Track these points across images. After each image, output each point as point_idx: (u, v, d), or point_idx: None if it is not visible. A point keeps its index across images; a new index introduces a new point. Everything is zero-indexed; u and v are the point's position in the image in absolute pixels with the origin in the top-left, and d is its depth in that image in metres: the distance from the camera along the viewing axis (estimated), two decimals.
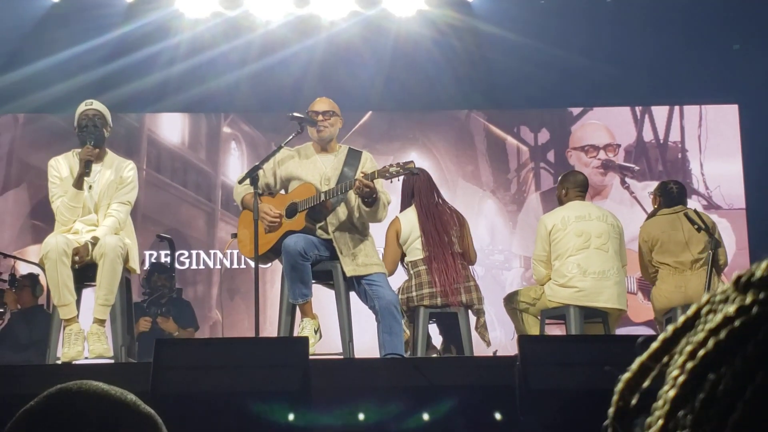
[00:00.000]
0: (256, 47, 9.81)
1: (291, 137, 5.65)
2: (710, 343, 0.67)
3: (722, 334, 0.67)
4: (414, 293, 6.13)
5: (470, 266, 6.41)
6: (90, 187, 5.64)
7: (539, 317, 6.48)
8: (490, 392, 4.47)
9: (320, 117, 5.64)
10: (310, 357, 4.50)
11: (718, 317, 0.68)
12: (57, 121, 10.04)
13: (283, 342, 4.90)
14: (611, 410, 0.71)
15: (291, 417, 4.02)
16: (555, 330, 7.16)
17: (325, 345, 5.78)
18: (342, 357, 5.43)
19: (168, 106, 10.20)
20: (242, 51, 9.81)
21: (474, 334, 6.20)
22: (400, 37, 9.88)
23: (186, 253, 10.14)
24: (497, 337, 8.42)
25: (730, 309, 0.69)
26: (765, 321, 0.67)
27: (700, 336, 0.68)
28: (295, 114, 5.62)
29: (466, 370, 4.85)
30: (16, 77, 9.66)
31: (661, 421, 0.68)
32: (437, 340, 6.69)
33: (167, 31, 9.78)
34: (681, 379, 0.68)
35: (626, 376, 0.71)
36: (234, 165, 10.37)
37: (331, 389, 4.47)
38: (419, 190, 6.35)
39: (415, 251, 6.24)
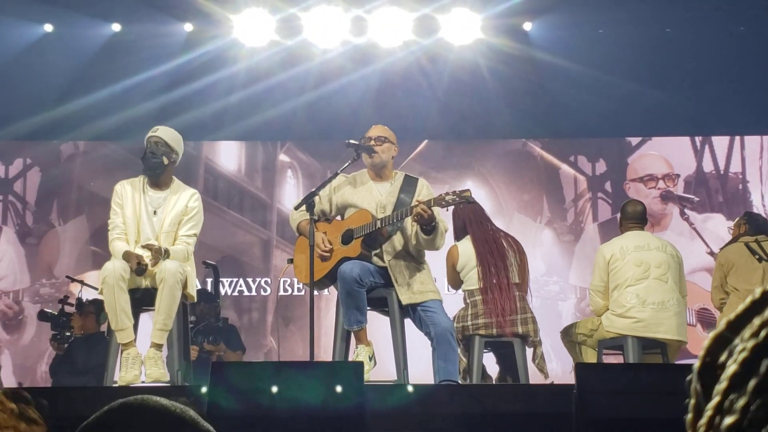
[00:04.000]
0: (313, 76, 9.90)
1: (347, 164, 5.66)
2: None
3: None
4: (470, 322, 6.10)
5: (527, 297, 6.34)
6: (154, 212, 5.68)
7: (597, 348, 6.41)
8: (547, 420, 4.42)
9: (372, 142, 5.65)
10: (365, 383, 4.49)
11: None
12: (117, 148, 10.20)
13: (339, 366, 4.89)
14: (697, 364, 0.67)
15: None
16: (613, 360, 7.07)
17: (380, 372, 5.76)
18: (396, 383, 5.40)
19: (225, 134, 10.30)
20: (299, 79, 9.90)
21: (531, 366, 6.14)
22: (456, 66, 9.90)
23: (241, 280, 10.20)
24: (553, 369, 8.33)
25: None
26: None
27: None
28: (352, 141, 5.63)
29: (522, 398, 4.80)
30: (77, 105, 9.83)
31: (717, 398, 0.64)
32: (493, 369, 6.64)
33: (225, 60, 9.91)
34: (742, 356, 0.64)
35: (714, 332, 0.68)
36: (290, 193, 10.43)
37: (387, 415, 4.45)
38: (470, 221, 6.31)
39: (472, 280, 6.20)
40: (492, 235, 6.28)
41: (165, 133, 5.75)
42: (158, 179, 5.73)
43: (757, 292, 0.66)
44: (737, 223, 7.07)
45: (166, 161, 5.71)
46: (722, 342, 0.67)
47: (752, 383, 0.61)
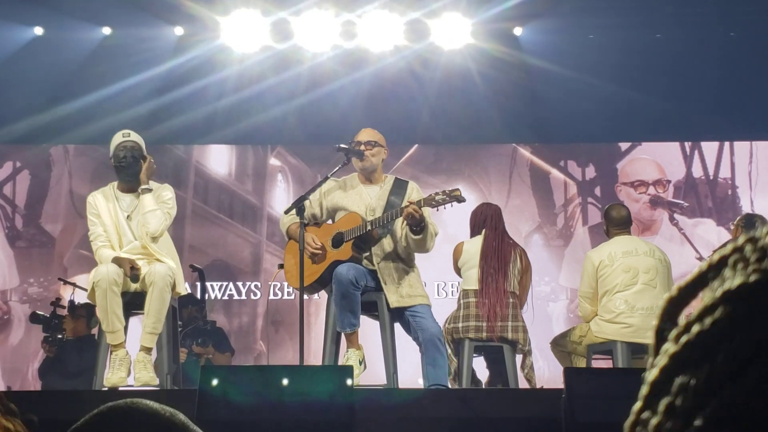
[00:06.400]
0: (303, 80, 9.89)
1: (337, 168, 5.67)
2: (694, 329, 0.55)
3: (707, 322, 0.54)
4: (460, 324, 6.11)
5: (521, 309, 6.35)
6: (128, 216, 5.71)
7: (586, 354, 6.42)
8: (536, 425, 4.43)
9: (362, 147, 5.66)
10: (354, 387, 4.49)
11: (719, 291, 0.55)
12: (107, 152, 10.15)
13: (328, 370, 4.90)
14: (656, 322, 0.60)
15: None
16: (602, 365, 7.09)
17: (369, 376, 5.76)
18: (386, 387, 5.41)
19: (216, 138, 10.30)
20: (290, 84, 9.89)
21: (520, 374, 6.17)
22: (447, 71, 9.91)
23: (231, 284, 10.19)
24: (540, 368, 8.34)
25: (735, 282, 0.55)
26: (748, 321, 0.53)
27: (695, 312, 0.56)
28: (342, 145, 5.64)
29: (512, 402, 4.81)
30: (67, 109, 9.81)
31: (637, 405, 0.57)
32: (483, 373, 6.65)
33: (215, 64, 9.90)
34: (662, 362, 0.56)
35: (670, 295, 0.60)
36: (280, 197, 10.42)
37: (375, 419, 4.45)
38: (492, 218, 6.37)
39: (470, 280, 6.23)
40: (501, 241, 6.31)
41: (136, 136, 5.80)
42: (134, 183, 5.74)
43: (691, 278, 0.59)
44: (736, 224, 6.97)
45: (142, 164, 5.73)
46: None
47: (663, 403, 0.55)
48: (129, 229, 5.68)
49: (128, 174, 5.72)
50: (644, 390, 0.57)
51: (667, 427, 0.54)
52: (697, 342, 0.54)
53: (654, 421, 0.55)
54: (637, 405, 0.57)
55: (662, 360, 0.56)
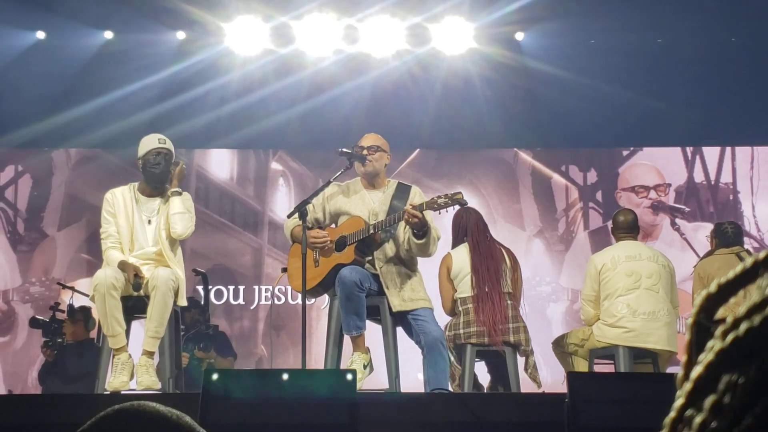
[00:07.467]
0: (306, 85, 9.90)
1: (340, 173, 5.67)
2: (743, 326, 0.54)
3: (756, 320, 0.54)
4: (461, 330, 6.10)
5: (519, 307, 6.35)
6: (149, 221, 5.69)
7: (588, 358, 6.42)
8: (539, 429, 4.43)
9: (365, 151, 5.66)
10: (357, 391, 4.48)
11: None
12: (109, 157, 10.19)
13: (331, 374, 4.90)
14: (691, 319, 0.60)
15: None
16: (605, 370, 7.09)
17: (372, 380, 5.75)
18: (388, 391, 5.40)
19: (217, 143, 10.31)
20: (292, 88, 9.90)
21: (522, 375, 6.15)
22: (449, 75, 9.92)
23: (232, 288, 10.19)
24: (543, 377, 8.34)
25: None
26: None
27: (742, 309, 0.55)
28: (344, 150, 5.64)
29: (515, 407, 4.81)
30: (69, 114, 9.82)
31: (679, 402, 0.56)
32: (485, 378, 6.65)
33: (218, 69, 9.91)
34: (708, 358, 0.55)
35: (708, 291, 0.60)
36: (281, 201, 10.43)
37: (378, 424, 4.45)
38: (471, 227, 6.33)
39: (465, 288, 6.21)
40: (488, 245, 6.29)
41: (170, 144, 5.81)
42: (159, 189, 5.74)
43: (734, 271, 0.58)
44: (710, 234, 7.05)
45: (171, 170, 5.75)
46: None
47: (709, 401, 0.54)
48: (144, 234, 5.66)
49: (157, 179, 5.70)
50: (687, 386, 0.56)
51: (713, 426, 0.53)
52: (746, 339, 0.54)
53: (699, 418, 0.55)
54: (679, 402, 0.57)
55: (708, 356, 0.55)
